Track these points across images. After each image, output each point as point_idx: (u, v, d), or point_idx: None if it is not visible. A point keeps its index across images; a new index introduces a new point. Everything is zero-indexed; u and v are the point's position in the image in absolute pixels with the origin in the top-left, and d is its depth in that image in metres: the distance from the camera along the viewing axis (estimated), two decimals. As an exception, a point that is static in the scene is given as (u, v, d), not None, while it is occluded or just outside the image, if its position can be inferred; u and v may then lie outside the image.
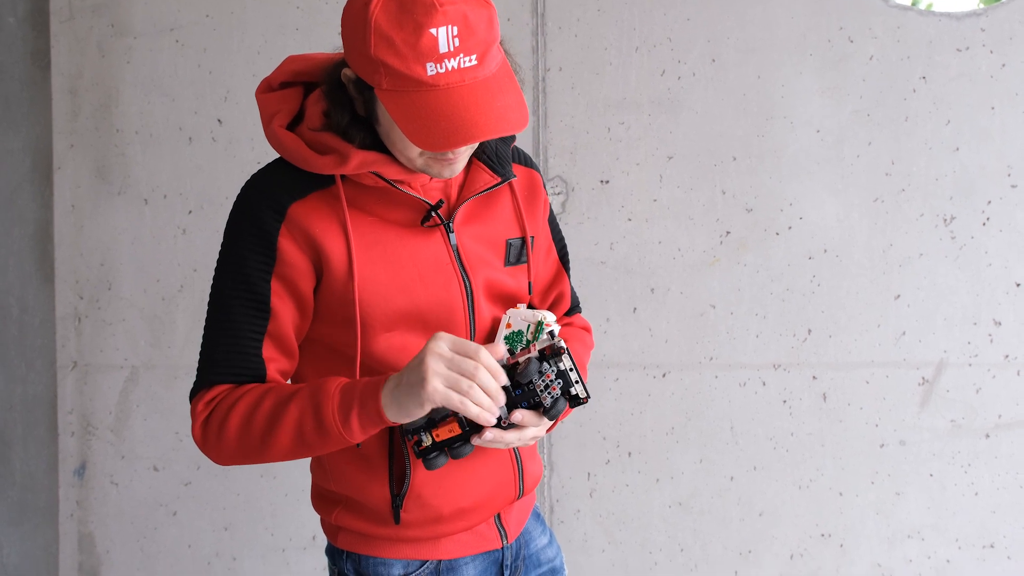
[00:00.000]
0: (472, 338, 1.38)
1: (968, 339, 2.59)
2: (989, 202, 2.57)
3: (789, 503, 2.65)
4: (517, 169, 1.46)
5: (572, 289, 1.61)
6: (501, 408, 1.25)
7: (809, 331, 2.62)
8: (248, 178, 1.36)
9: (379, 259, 1.31)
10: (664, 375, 2.64)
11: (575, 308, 1.63)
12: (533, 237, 1.46)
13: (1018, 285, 2.58)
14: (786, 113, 2.58)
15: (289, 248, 1.28)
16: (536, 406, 1.29)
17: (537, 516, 1.63)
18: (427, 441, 1.28)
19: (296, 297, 1.30)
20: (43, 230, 2.75)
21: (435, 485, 1.37)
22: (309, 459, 1.45)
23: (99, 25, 2.68)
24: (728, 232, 2.61)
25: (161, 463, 2.75)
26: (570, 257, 1.62)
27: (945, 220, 2.58)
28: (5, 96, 2.73)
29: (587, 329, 1.63)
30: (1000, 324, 2.59)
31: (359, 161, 1.27)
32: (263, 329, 1.29)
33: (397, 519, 1.37)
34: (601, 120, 2.61)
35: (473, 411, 1.19)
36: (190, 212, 2.69)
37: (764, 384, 2.63)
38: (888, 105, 2.57)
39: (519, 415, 1.27)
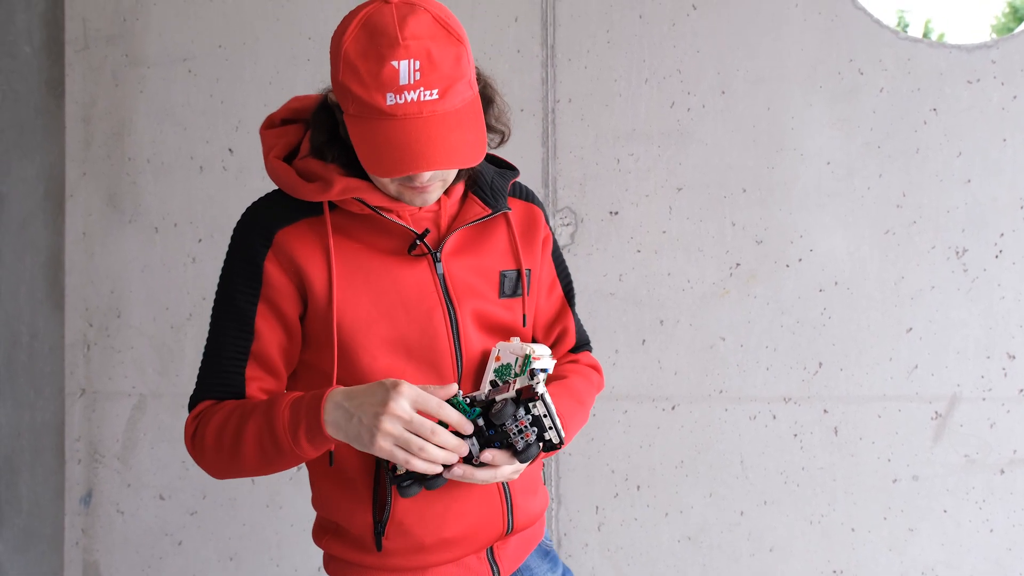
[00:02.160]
0: (459, 367, 1.39)
1: (981, 373, 2.57)
2: (1002, 234, 2.56)
3: (800, 538, 2.62)
4: (515, 203, 1.48)
5: (580, 327, 1.60)
6: (473, 445, 1.27)
7: (820, 364, 2.59)
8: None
9: (361, 285, 1.34)
10: (673, 408, 2.62)
11: (583, 345, 1.60)
12: (530, 270, 1.47)
13: (1032, 319, 2.56)
14: (796, 145, 2.58)
15: (274, 272, 1.34)
16: (509, 447, 1.29)
17: (545, 553, 1.58)
18: (401, 469, 1.30)
19: (282, 320, 1.35)
20: (54, 257, 2.76)
21: (417, 514, 1.38)
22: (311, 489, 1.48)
23: (113, 55, 2.71)
24: (738, 264, 2.60)
25: (167, 492, 2.74)
26: (579, 288, 1.61)
27: (957, 252, 2.56)
28: (20, 124, 2.76)
29: (595, 368, 1.59)
30: (1014, 358, 2.56)
31: (342, 187, 1.31)
32: (247, 349, 1.34)
33: (379, 546, 1.38)
34: (610, 151, 2.61)
35: (420, 466, 1.22)
36: (200, 241, 2.70)
37: (774, 417, 2.61)
38: (899, 137, 2.56)
39: (489, 455, 1.28)
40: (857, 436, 2.59)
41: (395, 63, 1.21)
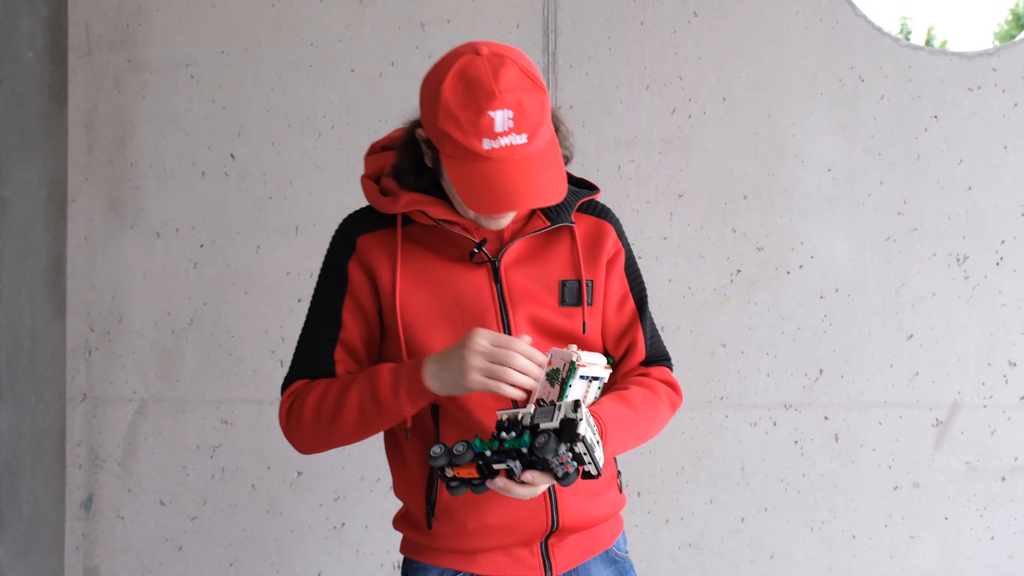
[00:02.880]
0: None
1: (982, 380, 2.56)
2: (1003, 241, 2.56)
3: (801, 545, 2.61)
4: (584, 218, 1.60)
5: (654, 341, 1.64)
6: (516, 465, 1.36)
7: (821, 371, 2.59)
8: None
9: (422, 286, 1.52)
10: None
11: (657, 360, 1.65)
12: (591, 281, 1.56)
13: (1033, 326, 2.56)
14: (797, 152, 2.58)
15: (355, 272, 1.54)
16: (550, 471, 1.36)
17: (612, 562, 1.63)
18: (450, 473, 1.40)
19: (363, 314, 1.55)
20: (56, 262, 2.77)
21: (460, 500, 1.51)
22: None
23: (116, 60, 2.72)
24: (739, 270, 2.60)
25: (168, 497, 2.74)
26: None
27: (958, 259, 2.56)
28: (22, 129, 2.77)
29: (668, 383, 1.63)
30: (1015, 365, 2.56)
31: (407, 200, 1.50)
32: (335, 337, 1.55)
33: (428, 525, 1.56)
34: (612, 158, 2.61)
35: (509, 392, 1.37)
36: (201, 246, 2.71)
37: (775, 424, 2.61)
38: (899, 144, 2.57)
39: (529, 476, 1.37)
40: (858, 443, 2.59)
41: (492, 113, 1.37)
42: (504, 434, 1.36)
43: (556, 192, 1.43)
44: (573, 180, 1.63)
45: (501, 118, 1.37)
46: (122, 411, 2.74)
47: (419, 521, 1.58)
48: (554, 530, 1.54)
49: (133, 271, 2.73)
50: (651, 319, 1.65)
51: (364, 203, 1.60)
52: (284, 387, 1.58)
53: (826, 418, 2.60)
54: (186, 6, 2.70)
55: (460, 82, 1.39)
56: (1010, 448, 2.57)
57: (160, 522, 2.75)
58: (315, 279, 2.64)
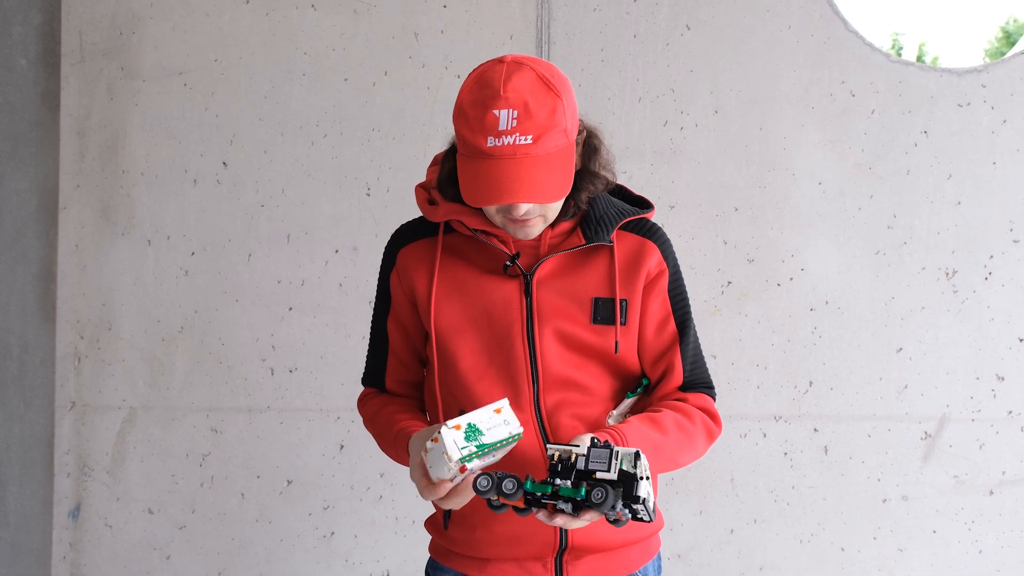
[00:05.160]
0: (533, 376, 1.54)
1: (971, 394, 2.57)
2: (991, 256, 2.57)
3: (790, 558, 2.61)
4: (627, 237, 1.58)
5: (694, 366, 1.61)
6: (565, 506, 1.33)
7: (810, 383, 2.60)
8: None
9: (455, 295, 1.57)
10: (664, 425, 2.62)
11: (697, 386, 1.61)
12: (626, 300, 1.55)
13: (1021, 340, 2.57)
14: (788, 165, 2.60)
15: (395, 286, 1.63)
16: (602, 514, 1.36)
17: None
18: (497, 501, 1.39)
19: (402, 328, 1.65)
20: (47, 269, 2.76)
21: (472, 505, 1.52)
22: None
23: (109, 68, 2.72)
24: (729, 282, 2.61)
25: (156, 506, 2.73)
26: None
27: (947, 274, 2.58)
28: (14, 136, 2.76)
29: (705, 410, 1.59)
30: (1003, 379, 2.57)
31: (446, 210, 1.56)
32: (385, 350, 1.68)
33: (446, 525, 1.62)
34: (603, 169, 2.62)
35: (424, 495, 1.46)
36: (192, 254, 2.70)
37: (765, 436, 2.61)
38: (889, 159, 2.58)
39: (587, 517, 1.37)
40: (847, 455, 2.60)
41: (496, 111, 1.41)
42: (559, 480, 1.33)
43: (552, 193, 1.44)
44: (629, 198, 1.62)
45: (505, 117, 1.41)
46: (111, 419, 2.73)
47: (440, 523, 1.63)
48: (564, 547, 1.54)
49: (124, 279, 2.72)
50: (695, 344, 1.61)
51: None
52: (362, 382, 1.74)
53: (815, 430, 2.60)
54: (179, 15, 2.71)
55: (475, 84, 1.45)
56: (998, 462, 2.58)
57: (148, 531, 2.73)
58: (306, 287, 2.67)
